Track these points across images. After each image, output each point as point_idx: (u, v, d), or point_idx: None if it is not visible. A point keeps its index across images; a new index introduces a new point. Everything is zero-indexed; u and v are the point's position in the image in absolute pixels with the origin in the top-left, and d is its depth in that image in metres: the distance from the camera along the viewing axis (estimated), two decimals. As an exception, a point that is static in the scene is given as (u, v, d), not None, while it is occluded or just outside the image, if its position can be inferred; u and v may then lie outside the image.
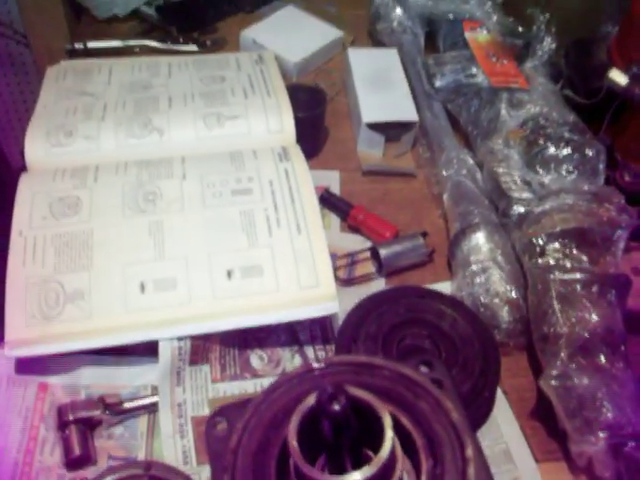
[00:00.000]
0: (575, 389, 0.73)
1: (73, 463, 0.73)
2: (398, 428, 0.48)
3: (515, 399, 0.80)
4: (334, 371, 0.54)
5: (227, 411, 0.57)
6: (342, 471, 0.45)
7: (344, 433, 0.44)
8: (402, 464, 0.47)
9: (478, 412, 0.77)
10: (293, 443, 0.44)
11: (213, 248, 0.82)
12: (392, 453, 0.43)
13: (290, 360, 0.83)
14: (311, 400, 0.46)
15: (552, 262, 0.82)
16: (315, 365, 0.55)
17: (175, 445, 0.75)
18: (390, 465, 0.44)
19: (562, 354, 0.76)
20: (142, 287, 0.79)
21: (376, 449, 0.47)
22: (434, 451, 0.47)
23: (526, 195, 0.91)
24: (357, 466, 0.45)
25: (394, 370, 0.54)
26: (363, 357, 0.56)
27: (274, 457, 0.49)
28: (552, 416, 0.76)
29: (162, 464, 0.72)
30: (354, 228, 0.99)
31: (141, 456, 0.75)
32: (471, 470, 0.44)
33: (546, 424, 0.78)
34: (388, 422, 0.44)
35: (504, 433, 0.77)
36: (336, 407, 0.42)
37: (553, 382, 0.74)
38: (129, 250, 0.82)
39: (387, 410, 0.46)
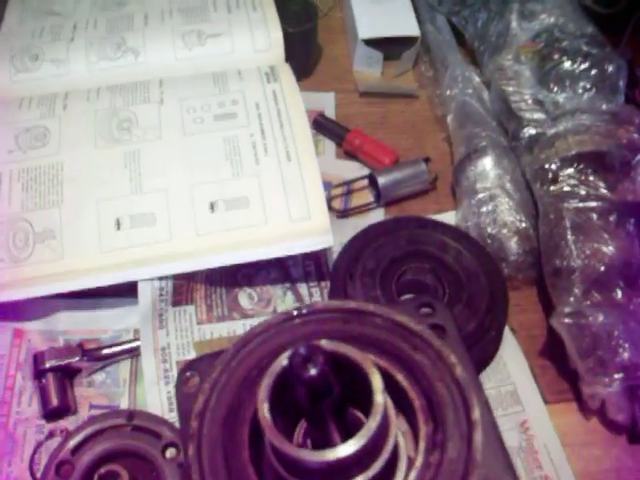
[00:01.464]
0: (589, 327, 0.67)
1: (51, 414, 0.69)
2: (392, 386, 0.42)
3: (523, 337, 0.75)
4: (318, 319, 0.48)
5: (199, 364, 0.51)
6: (326, 436, 0.39)
7: (324, 400, 0.38)
8: (396, 429, 0.41)
9: (484, 352, 0.71)
10: (264, 413, 0.38)
11: (195, 179, 0.76)
12: (384, 419, 0.37)
13: (282, 298, 0.77)
14: (284, 360, 0.39)
15: (566, 189, 0.75)
16: (295, 312, 0.48)
17: (159, 392, 0.70)
18: (381, 433, 0.38)
19: (575, 289, 0.70)
20: (118, 224, 0.73)
21: (365, 409, 0.42)
22: (434, 413, 0.41)
23: (538, 116, 0.83)
24: (343, 429, 0.40)
25: (388, 317, 0.47)
26: (352, 303, 0.49)
27: (247, 421, 0.43)
28: (563, 355, 0.70)
29: (145, 413, 0.68)
30: (350, 154, 0.92)
31: (124, 404, 0.70)
32: (478, 435, 0.38)
33: (556, 363, 0.73)
34: (378, 385, 0.38)
35: (511, 373, 0.72)
36: (312, 372, 0.36)
37: (565, 319, 0.68)
38: (103, 184, 0.75)
39: (377, 369, 0.39)
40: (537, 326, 0.76)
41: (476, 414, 0.39)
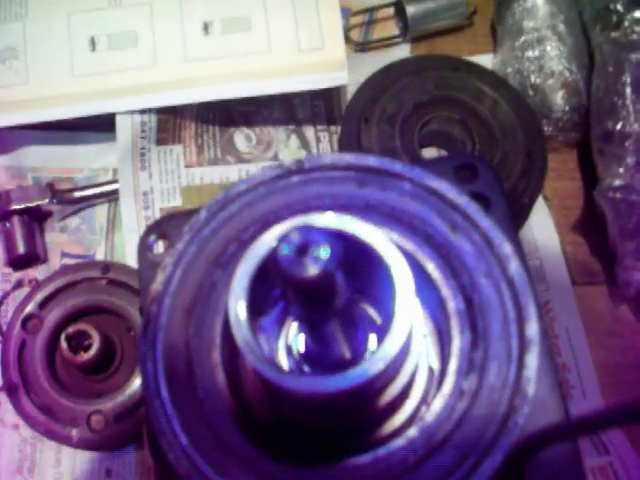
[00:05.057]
0: (639, 205, 0.58)
1: (18, 262, 0.62)
2: (420, 277, 0.32)
3: (556, 206, 0.66)
4: (323, 177, 0.36)
5: (169, 226, 0.40)
6: (324, 336, 0.30)
7: (326, 305, 0.28)
8: (420, 340, 0.33)
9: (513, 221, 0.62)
10: (238, 318, 0.28)
11: (186, -8, 0.64)
12: (406, 343, 0.28)
13: (285, 142, 0.68)
14: (272, 239, 0.28)
15: (632, 36, 0.64)
16: (293, 166, 0.36)
17: (140, 242, 0.62)
18: (399, 358, 0.29)
19: (628, 159, 0.60)
20: (93, 43, 0.63)
21: (378, 304, 0.33)
22: (475, 321, 0.31)
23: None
24: (346, 328, 0.31)
25: (419, 182, 0.35)
26: (371, 158, 0.37)
27: (221, 312, 0.33)
28: (600, 233, 0.62)
29: (123, 266, 0.60)
30: (375, -25, 0.78)
31: (100, 254, 0.63)
32: (532, 359, 0.29)
33: (591, 241, 0.64)
34: (405, 295, 0.28)
35: (539, 246, 0.64)
36: (311, 272, 0.25)
37: (612, 194, 0.59)
38: (76, -8, 0.64)
39: (405, 260, 0.29)
40: (573, 196, 0.67)
41: (533, 329, 0.30)
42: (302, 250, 0.26)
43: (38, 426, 0.56)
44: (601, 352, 0.60)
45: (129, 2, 0.63)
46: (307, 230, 0.26)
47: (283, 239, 0.26)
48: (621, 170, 0.60)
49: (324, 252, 0.26)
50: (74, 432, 0.56)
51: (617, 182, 0.59)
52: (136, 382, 0.57)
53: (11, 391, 0.56)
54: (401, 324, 0.28)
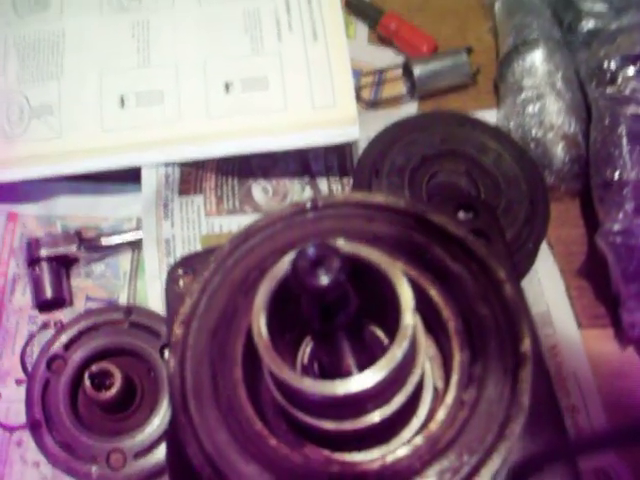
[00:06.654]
0: (639, 248, 0.60)
1: (45, 305, 0.64)
2: (422, 301, 0.35)
3: (561, 253, 0.68)
4: (335, 214, 0.40)
5: (195, 261, 0.44)
6: (337, 358, 0.33)
7: (337, 316, 0.31)
8: (424, 356, 0.35)
9: (519, 267, 0.64)
10: (259, 327, 0.31)
11: (208, 54, 0.68)
12: (411, 347, 0.31)
13: (299, 193, 0.71)
14: (289, 261, 0.31)
15: (626, 92, 0.67)
16: (308, 204, 0.40)
17: (162, 287, 0.65)
18: (406, 364, 0.31)
19: (627, 205, 0.63)
20: (122, 101, 0.66)
21: (387, 328, 0.35)
22: (473, 339, 0.34)
23: (599, 7, 0.74)
24: (358, 349, 0.33)
25: (422, 218, 0.39)
26: (378, 196, 0.40)
27: (242, 333, 0.36)
28: (604, 277, 0.64)
29: (145, 309, 0.63)
30: (384, 39, 0.82)
31: (123, 298, 0.66)
32: (526, 373, 0.32)
33: (595, 285, 0.66)
34: (407, 303, 0.31)
35: (545, 292, 0.66)
36: (323, 280, 0.28)
37: (612, 238, 0.62)
38: (107, 56, 0.68)
39: (407, 279, 0.32)
40: (577, 242, 0.69)
41: (526, 345, 0.32)
42: (317, 263, 0.29)
43: (59, 463, 0.57)
44: (609, 394, 0.61)
45: (156, 63, 0.67)
46: (322, 246, 0.29)
47: (301, 252, 0.29)
48: (621, 216, 0.62)
49: (335, 265, 0.29)
50: (93, 469, 0.57)
51: (616, 227, 0.61)
52: (155, 421, 0.58)
53: (34, 428, 0.58)
54: (405, 329, 0.30)
